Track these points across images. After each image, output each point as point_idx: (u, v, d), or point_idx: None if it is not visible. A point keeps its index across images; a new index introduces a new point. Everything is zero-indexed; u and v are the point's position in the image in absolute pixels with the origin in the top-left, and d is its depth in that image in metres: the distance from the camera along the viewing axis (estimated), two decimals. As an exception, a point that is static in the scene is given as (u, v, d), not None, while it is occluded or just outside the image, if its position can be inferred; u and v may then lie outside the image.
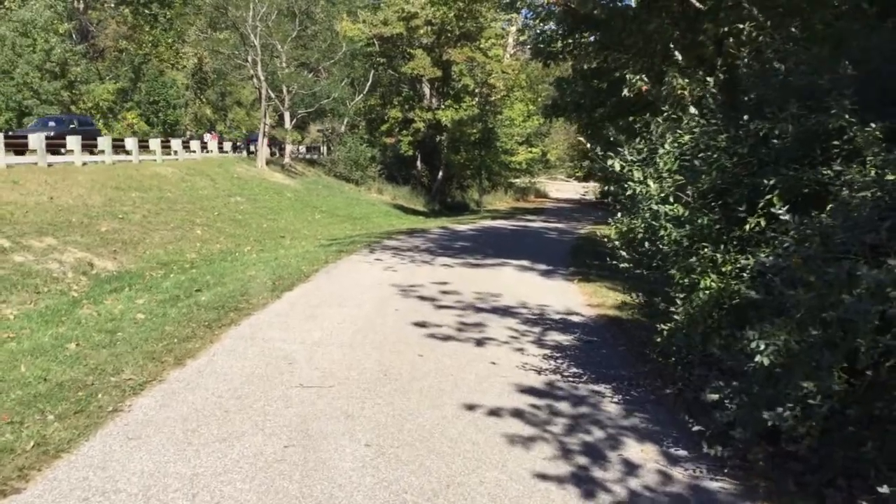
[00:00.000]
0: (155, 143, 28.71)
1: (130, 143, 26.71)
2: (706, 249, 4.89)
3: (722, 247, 4.84)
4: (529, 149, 53.63)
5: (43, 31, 42.59)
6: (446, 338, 7.68)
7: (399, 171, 46.99)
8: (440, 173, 45.50)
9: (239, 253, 16.69)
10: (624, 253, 6.00)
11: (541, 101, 56.15)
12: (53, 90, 42.17)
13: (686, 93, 10.16)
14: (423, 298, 9.91)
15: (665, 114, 9.89)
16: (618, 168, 5.52)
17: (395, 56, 44.02)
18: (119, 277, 12.69)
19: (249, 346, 6.96)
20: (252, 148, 40.49)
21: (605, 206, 32.07)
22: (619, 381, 6.33)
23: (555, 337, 7.89)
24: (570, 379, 6.33)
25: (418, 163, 46.29)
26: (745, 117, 4.99)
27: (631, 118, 12.39)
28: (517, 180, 61.33)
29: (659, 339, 5.73)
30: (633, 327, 8.58)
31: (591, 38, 12.17)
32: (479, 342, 7.53)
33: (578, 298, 10.40)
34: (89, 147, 24.49)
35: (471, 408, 5.48)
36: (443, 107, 42.20)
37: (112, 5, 60.15)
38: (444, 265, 13.28)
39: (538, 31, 13.91)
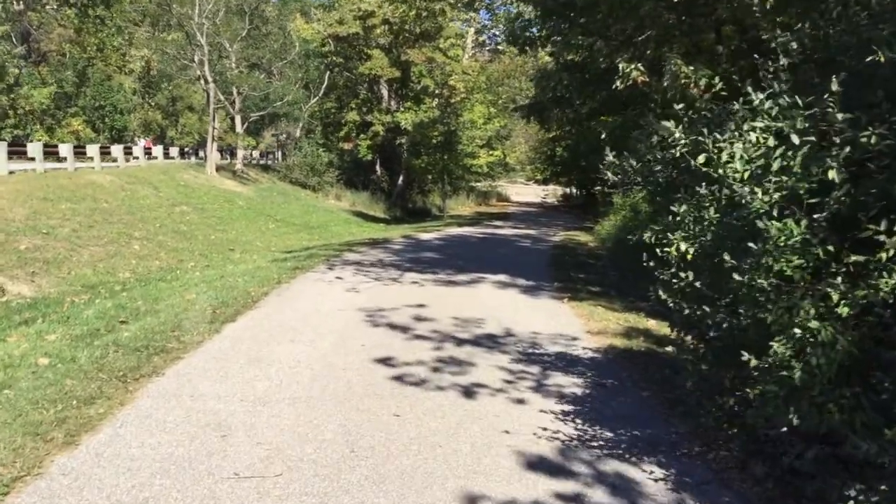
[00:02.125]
0: (93, 150, 26.61)
1: (65, 149, 24.58)
2: (821, 285, 3.42)
3: (838, 279, 3.38)
4: (491, 152, 52.31)
5: (-24, 32, 39.98)
6: (426, 385, 6.13)
7: (358, 177, 45.22)
8: (401, 178, 43.88)
9: (180, 270, 14.88)
10: (684, 279, 4.49)
11: (501, 103, 55.11)
12: (-12, 94, 39.54)
13: (692, 82, 8.81)
14: (392, 327, 8.34)
15: (660, 109, 8.44)
16: (701, 161, 3.98)
17: (352, 57, 42.29)
18: (34, 305, 10.85)
19: (172, 409, 5.31)
20: (201, 153, 38.37)
21: (568, 210, 30.85)
22: (661, 447, 4.86)
23: (559, 380, 6.38)
24: (596, 447, 4.83)
25: (378, 167, 44.62)
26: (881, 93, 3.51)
27: (616, 116, 11.00)
28: (479, 184, 59.97)
29: (730, 402, 4.25)
30: (648, 361, 7.14)
31: (573, 24, 10.71)
32: (468, 391, 5.99)
33: (575, 323, 8.93)
34: (18, 153, 22.34)
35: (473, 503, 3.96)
36: (402, 109, 40.64)
37: (54, 7, 57.35)
38: (414, 283, 11.72)
39: (514, 15, 12.46)
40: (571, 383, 6.28)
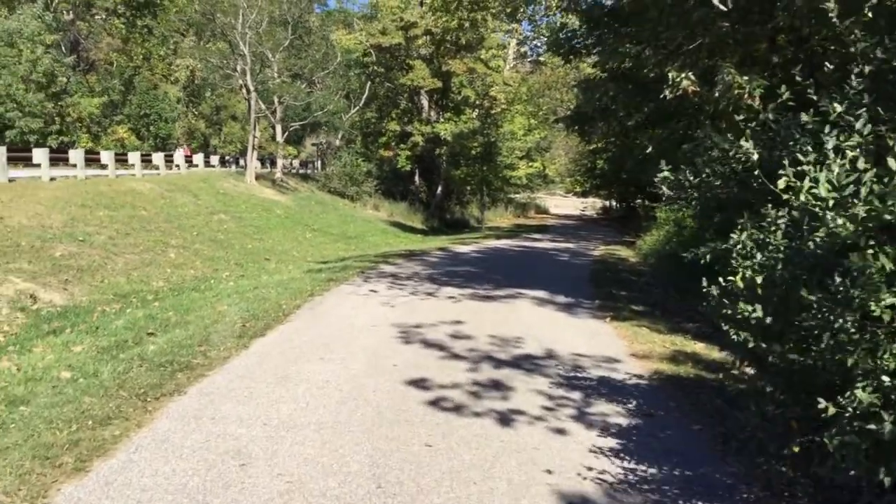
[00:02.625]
0: (134, 157, 26.81)
1: (106, 156, 24.81)
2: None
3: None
4: (530, 163, 51.84)
5: (29, 41, 40.83)
6: (460, 411, 5.75)
7: (396, 187, 45.08)
8: (439, 189, 43.64)
9: (215, 280, 14.74)
10: (755, 312, 4.04)
11: (542, 115, 54.62)
12: (38, 101, 40.37)
13: (745, 93, 8.32)
14: (427, 345, 7.98)
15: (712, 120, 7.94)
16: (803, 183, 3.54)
17: (393, 67, 42.26)
18: (64, 314, 10.73)
19: (191, 433, 5.01)
20: (241, 162, 38.60)
21: (608, 223, 30.22)
22: (717, 491, 4.41)
23: (603, 408, 5.95)
24: (647, 489, 4.39)
25: (416, 178, 44.45)
26: None
27: (663, 128, 10.52)
28: (517, 196, 59.48)
29: (797, 448, 3.79)
30: (698, 389, 6.66)
31: (621, 31, 10.27)
32: (505, 418, 5.59)
33: (617, 345, 8.46)
34: (61, 160, 22.55)
35: (510, 555, 3.57)
36: (442, 120, 40.44)
37: (102, 17, 58.55)
38: (450, 297, 11.35)
39: (558, 25, 12.05)
40: (616, 412, 5.85)
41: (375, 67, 41.60)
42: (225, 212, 24.62)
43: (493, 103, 41.96)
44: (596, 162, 45.12)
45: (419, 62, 39.51)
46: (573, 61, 13.28)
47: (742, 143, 4.57)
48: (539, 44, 65.03)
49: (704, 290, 4.43)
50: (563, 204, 75.37)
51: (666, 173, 5.08)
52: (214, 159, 38.45)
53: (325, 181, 41.84)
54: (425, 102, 43.00)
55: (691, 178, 5.12)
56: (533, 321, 9.66)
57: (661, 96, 8.63)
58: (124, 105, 55.57)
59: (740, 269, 4.12)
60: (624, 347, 8.34)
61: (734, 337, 4.33)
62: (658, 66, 9.45)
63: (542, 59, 66.78)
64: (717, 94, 8.35)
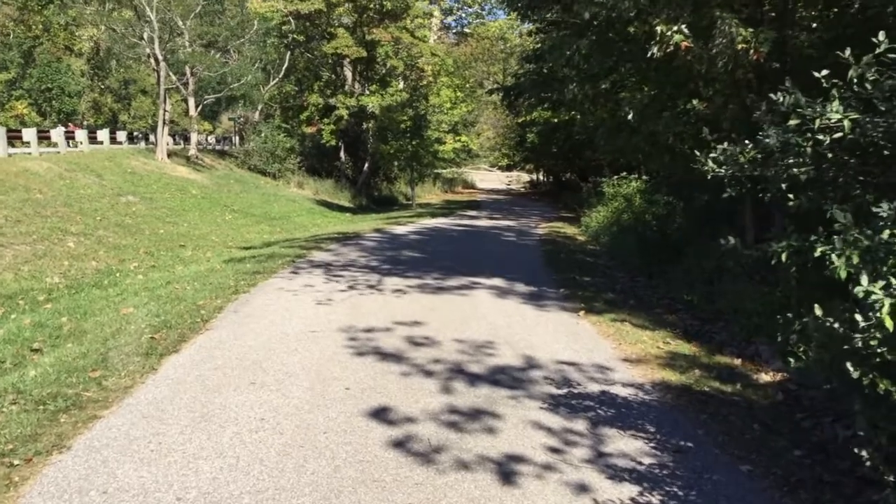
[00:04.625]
0: (30, 134, 24.15)
1: (-5, 133, 22.14)
2: None
3: None
4: (457, 137, 50.51)
5: None
6: (440, 459, 4.39)
7: (321, 164, 42.98)
8: (366, 165, 41.81)
9: (121, 273, 12.89)
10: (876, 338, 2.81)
11: (469, 87, 53.27)
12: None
13: (750, 47, 7.14)
14: (382, 357, 6.56)
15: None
16: None
17: (314, 36, 40.02)
18: (-75, 325, 8.81)
19: (68, 526, 3.48)
20: (152, 138, 35.84)
21: (537, 197, 29.22)
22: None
23: (620, 443, 4.68)
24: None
25: (342, 154, 42.43)
26: None
27: (642, 91, 9.29)
28: (445, 171, 58.12)
29: None
30: (720, 407, 5.49)
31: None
32: (504, 470, 4.26)
33: (604, 347, 7.23)
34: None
35: None
36: (368, 92, 38.55)
37: (-3, -16, 53.91)
38: (398, 290, 9.93)
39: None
40: (638, 450, 4.59)
41: (294, 36, 39.24)
42: (133, 193, 22.37)
43: (421, 75, 40.37)
44: (526, 135, 44.07)
45: (342, 30, 37.46)
46: (531, 17, 11.85)
47: (829, 107, 3.32)
48: (464, 14, 63.58)
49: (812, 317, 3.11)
50: (489, 178, 74.68)
51: (724, 146, 3.76)
52: (122, 135, 35.53)
53: (244, 158, 39.45)
54: (349, 74, 40.97)
55: (751, 153, 3.83)
56: (499, 319, 8.34)
57: (649, 54, 7.37)
58: (24, 79, 51.45)
59: (864, 287, 2.87)
60: (611, 350, 7.11)
61: (860, 379, 3.06)
62: (637, 18, 8.17)
63: (467, 30, 65.59)
64: (713, 51, 7.14)
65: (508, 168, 70.76)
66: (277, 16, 36.83)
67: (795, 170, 3.65)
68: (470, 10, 61.71)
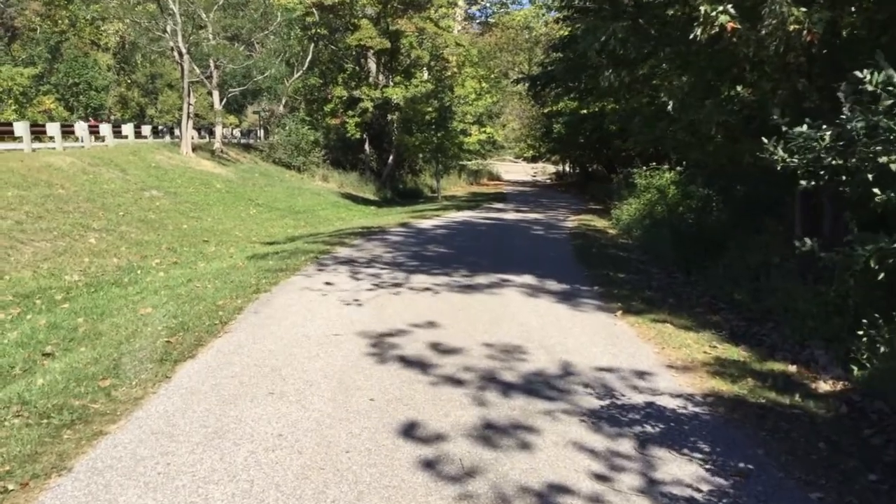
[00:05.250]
0: (54, 128, 24.06)
1: (20, 127, 22.07)
2: None
3: None
4: (482, 129, 49.94)
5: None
6: (475, 483, 3.96)
7: (346, 156, 42.62)
8: (391, 157, 41.39)
9: (142, 269, 12.62)
10: None
11: (493, 78, 52.63)
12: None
13: (804, 28, 6.59)
14: (407, 364, 6.15)
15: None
16: None
17: (338, 28, 39.63)
18: (-62, 327, 8.57)
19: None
20: (177, 132, 35.74)
21: (564, 189, 28.59)
22: None
23: (673, 467, 4.23)
24: None
25: (366, 146, 42.04)
26: None
27: (681, 78, 8.75)
28: (470, 163, 57.59)
29: None
30: (779, 422, 5.00)
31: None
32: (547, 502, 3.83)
33: (644, 351, 6.76)
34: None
35: None
36: (392, 84, 38.11)
37: (22, -19, 54.36)
38: (424, 288, 9.52)
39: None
40: (693, 475, 4.13)
41: (318, 29, 38.88)
42: (157, 187, 22.19)
43: (445, 65, 39.86)
44: (552, 126, 43.37)
45: (365, 21, 37.03)
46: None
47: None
48: (489, 3, 62.87)
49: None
50: (514, 170, 74.06)
51: (802, 128, 3.29)
52: (146, 129, 35.47)
53: (269, 151, 39.21)
54: (373, 65, 40.54)
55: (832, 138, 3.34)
56: (531, 319, 7.89)
57: (692, 37, 6.85)
58: (51, 74, 51.81)
59: None
60: (654, 355, 6.64)
61: None
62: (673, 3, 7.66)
63: (491, 20, 64.86)
64: (763, 32, 6.61)
65: (534, 159, 70.06)
66: (301, 7, 36.50)
67: (884, 158, 3.16)
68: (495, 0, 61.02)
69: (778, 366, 6.41)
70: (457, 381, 5.71)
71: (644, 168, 17.82)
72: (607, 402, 5.35)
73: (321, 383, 5.57)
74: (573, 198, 36.94)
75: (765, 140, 3.73)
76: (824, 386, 5.90)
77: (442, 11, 40.76)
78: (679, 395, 5.52)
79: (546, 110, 46.48)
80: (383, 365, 6.10)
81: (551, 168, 67.52)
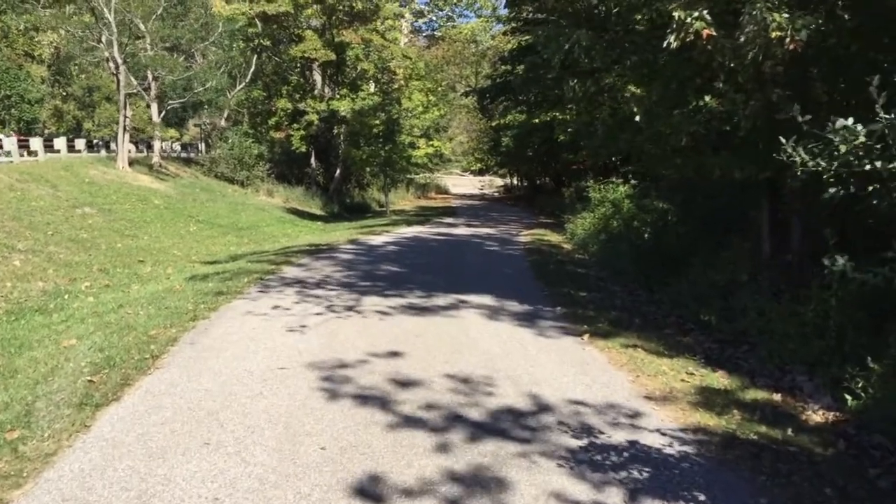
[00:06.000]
0: (-23, 143, 22.71)
1: (-61, 142, 20.71)
2: None
3: None
4: (430, 142, 49.54)
5: None
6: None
7: (291, 170, 41.67)
8: (338, 171, 40.63)
9: (70, 294, 11.69)
10: None
11: (441, 91, 52.32)
12: None
13: (786, 35, 6.23)
14: (363, 401, 5.52)
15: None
16: None
17: (282, 40, 38.83)
18: None
19: None
20: (113, 146, 34.32)
21: (513, 202, 28.28)
22: None
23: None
24: None
25: (312, 160, 41.18)
26: None
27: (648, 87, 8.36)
28: (417, 176, 57.12)
29: None
30: (778, 463, 4.54)
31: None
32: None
33: (619, 380, 6.27)
34: None
35: None
36: (338, 96, 37.41)
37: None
38: (378, 312, 8.89)
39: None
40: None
41: (261, 41, 37.97)
42: (91, 204, 21.03)
43: (392, 78, 39.39)
44: (500, 139, 43.23)
45: (310, 33, 36.32)
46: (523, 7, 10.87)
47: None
48: (435, 17, 62.71)
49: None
50: (461, 183, 74.05)
51: (844, 121, 2.81)
52: (81, 143, 33.98)
53: (210, 165, 38.01)
54: (318, 77, 39.82)
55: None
56: (494, 346, 7.34)
57: (665, 44, 6.43)
58: (-19, 87, 49.60)
59: None
60: (629, 384, 6.15)
61: None
62: (648, 4, 7.25)
63: (437, 33, 64.65)
64: (741, 39, 6.23)
65: (481, 172, 70.10)
66: (243, 18, 35.58)
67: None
68: (441, 13, 60.85)
69: (761, 394, 5.99)
70: (418, 422, 5.11)
71: (598, 181, 17.54)
72: (586, 441, 4.82)
73: (265, 429, 4.91)
74: (523, 211, 36.74)
75: (783, 140, 3.27)
76: (815, 417, 5.49)
77: (388, 24, 40.33)
78: (663, 432, 5.02)
79: (493, 123, 46.39)
80: (335, 403, 5.47)
81: (499, 181, 67.63)
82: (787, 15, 5.93)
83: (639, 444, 4.80)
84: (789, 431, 5.07)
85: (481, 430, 4.98)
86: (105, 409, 5.28)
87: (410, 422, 5.12)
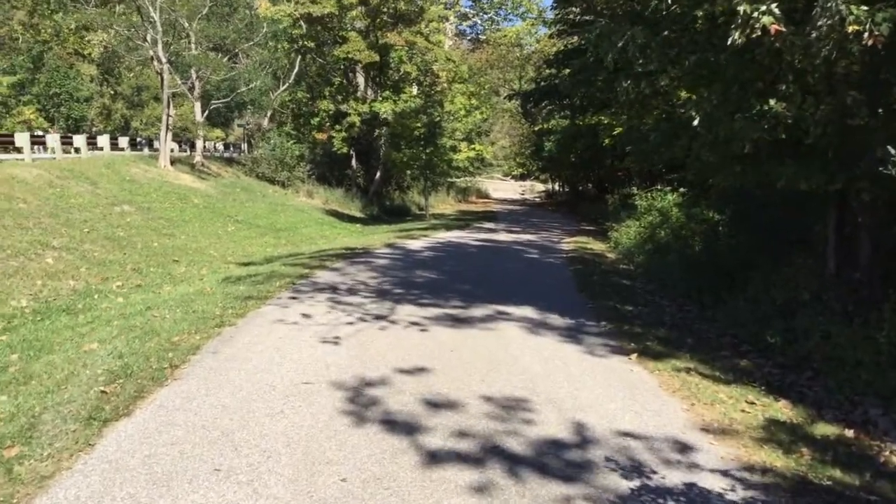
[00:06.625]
0: (23, 139, 22.90)
1: (-17, 137, 20.88)
2: None
3: None
4: (472, 146, 49.10)
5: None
6: None
7: (332, 172, 41.51)
8: (378, 173, 40.37)
9: (100, 294, 11.47)
10: None
11: (484, 94, 51.83)
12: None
13: (865, 30, 5.61)
14: (391, 427, 5.05)
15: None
16: None
17: (326, 41, 38.70)
18: None
19: None
20: (156, 145, 34.53)
21: (554, 208, 27.57)
22: None
23: (742, 592, 3.16)
24: None
25: (353, 162, 41.00)
26: None
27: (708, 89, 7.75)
28: (458, 180, 56.67)
29: None
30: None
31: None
32: None
33: (672, 408, 5.70)
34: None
35: None
36: (380, 98, 37.15)
37: (5, -12, 53.11)
38: (412, 322, 8.42)
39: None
40: None
41: (305, 42, 37.90)
42: (130, 202, 21.00)
43: (435, 81, 39.01)
44: (543, 144, 42.56)
45: (354, 34, 36.12)
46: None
47: None
48: (480, 20, 62.31)
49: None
50: (503, 187, 73.44)
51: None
52: (124, 141, 34.25)
53: (252, 165, 38.03)
54: (361, 79, 39.63)
55: None
56: (535, 364, 6.82)
57: (729, 41, 5.85)
58: (32, 84, 50.53)
59: None
60: (684, 413, 5.58)
61: None
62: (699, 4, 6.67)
63: (482, 36, 64.21)
64: (813, 35, 5.62)
65: (522, 177, 69.46)
66: (288, 19, 35.51)
67: None
68: (486, 16, 60.33)
69: (831, 429, 5.38)
70: (452, 455, 4.62)
71: (643, 188, 16.87)
72: (637, 482, 4.29)
73: (282, 455, 4.47)
74: (564, 218, 36.05)
75: (891, 150, 2.72)
76: (894, 459, 4.87)
77: (433, 26, 39.92)
78: (725, 473, 4.46)
79: (536, 128, 45.76)
80: (360, 428, 5.01)
81: (540, 186, 66.89)
82: (865, 8, 5.32)
83: (697, 487, 4.25)
84: (867, 476, 4.47)
85: (521, 465, 4.48)
86: (113, 426, 4.90)
87: (442, 452, 4.64)
